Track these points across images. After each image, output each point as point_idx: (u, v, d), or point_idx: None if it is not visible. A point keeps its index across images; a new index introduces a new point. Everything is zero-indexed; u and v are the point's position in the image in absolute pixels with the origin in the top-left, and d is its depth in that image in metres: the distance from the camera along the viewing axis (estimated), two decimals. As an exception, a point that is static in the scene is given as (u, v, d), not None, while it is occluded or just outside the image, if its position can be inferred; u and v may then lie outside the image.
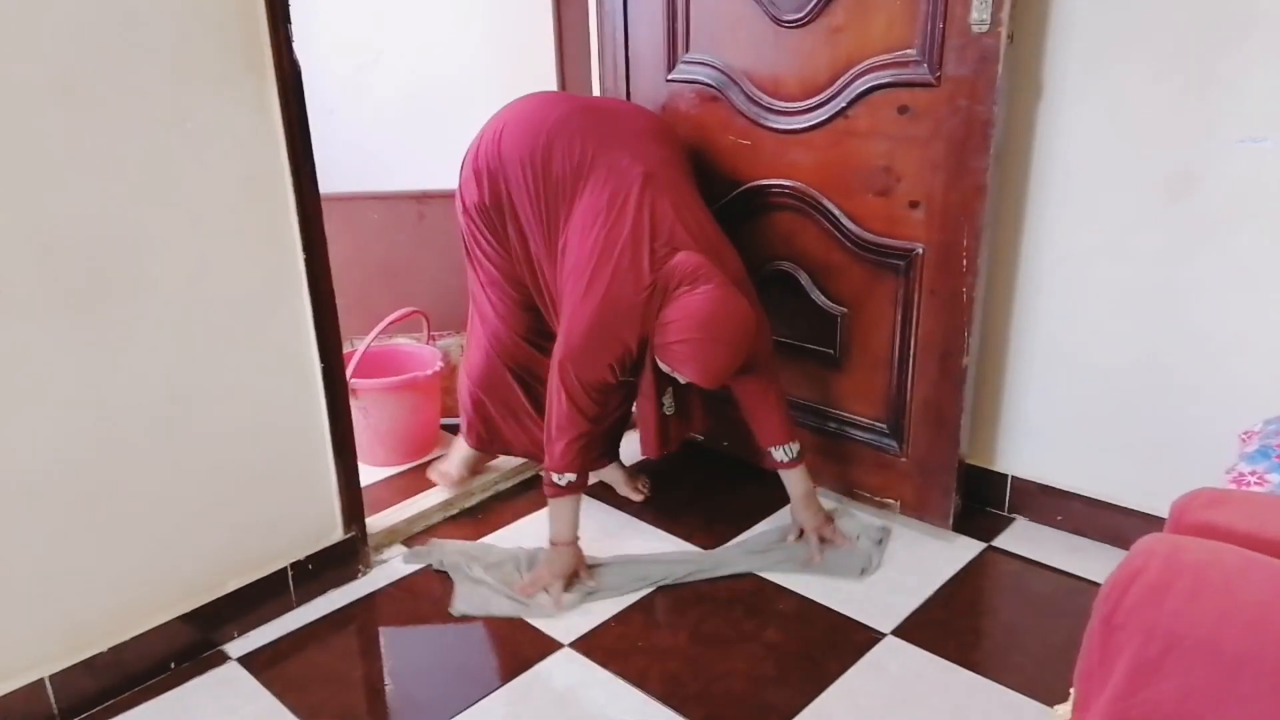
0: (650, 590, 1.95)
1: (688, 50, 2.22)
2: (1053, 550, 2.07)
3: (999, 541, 2.11)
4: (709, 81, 2.19)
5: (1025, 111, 1.91)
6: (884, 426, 2.15)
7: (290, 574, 1.88)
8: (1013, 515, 2.20)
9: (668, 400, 2.03)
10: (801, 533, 2.07)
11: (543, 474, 1.94)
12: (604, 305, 1.80)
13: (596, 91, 2.45)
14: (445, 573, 2.01)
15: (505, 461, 2.42)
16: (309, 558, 1.91)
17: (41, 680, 1.56)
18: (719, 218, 1.98)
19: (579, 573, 1.95)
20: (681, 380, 1.85)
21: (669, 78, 2.26)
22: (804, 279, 2.17)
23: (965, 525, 2.14)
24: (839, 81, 1.98)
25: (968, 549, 2.09)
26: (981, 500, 2.21)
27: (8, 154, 1.39)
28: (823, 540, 2.05)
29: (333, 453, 1.91)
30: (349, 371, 2.34)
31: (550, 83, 2.54)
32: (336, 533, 1.96)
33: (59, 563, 1.56)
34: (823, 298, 2.16)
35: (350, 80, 2.88)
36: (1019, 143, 1.94)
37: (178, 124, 1.57)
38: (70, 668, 1.59)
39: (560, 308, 1.93)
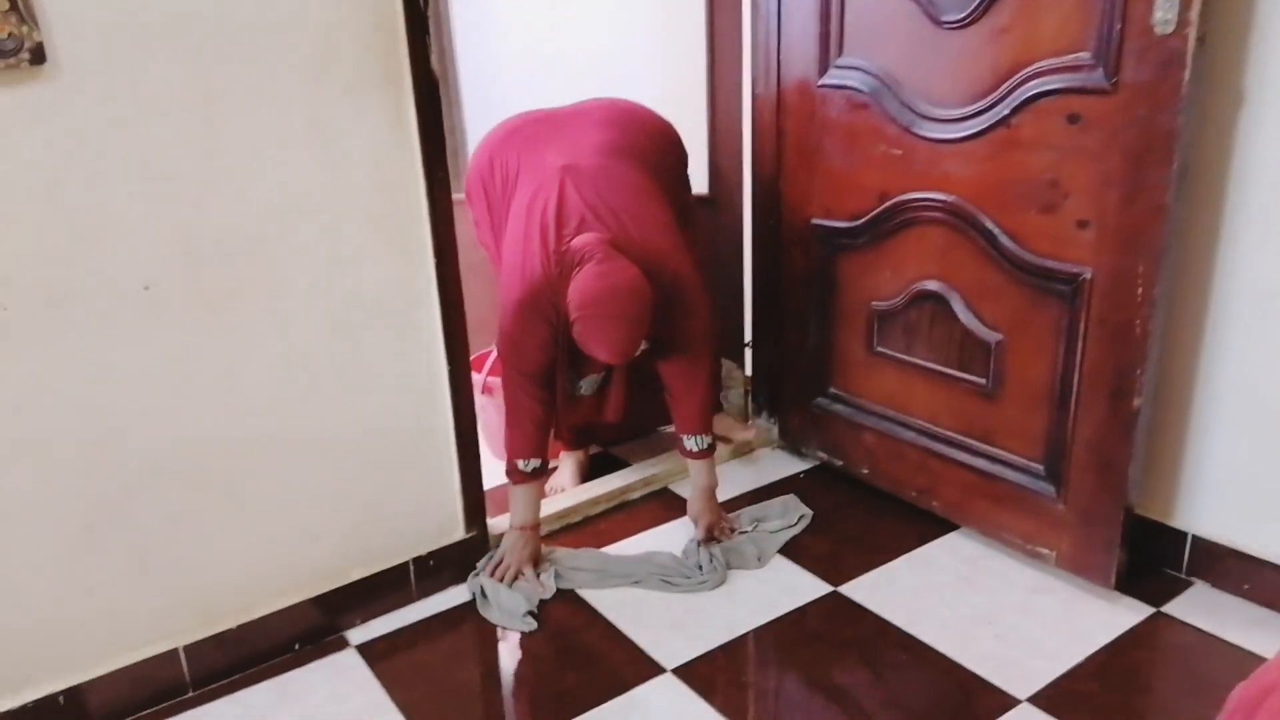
0: (759, 624, 1.86)
1: (840, 53, 2.09)
2: (1234, 623, 1.79)
3: (1170, 608, 1.85)
4: (860, 87, 2.06)
5: (1221, 122, 1.66)
6: (1039, 468, 1.94)
7: (412, 568, 1.94)
8: (1190, 579, 1.93)
9: (586, 382, 2.10)
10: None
11: (505, 462, 2.02)
12: (521, 296, 1.88)
13: (747, 100, 2.37)
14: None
15: (637, 472, 2.39)
16: (431, 554, 1.96)
17: (175, 650, 1.68)
18: (863, 232, 1.85)
19: (538, 558, 2.05)
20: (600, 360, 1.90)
21: (820, 83, 2.15)
22: (956, 301, 2.00)
23: (1132, 585, 1.90)
24: (1002, 87, 1.80)
25: (1132, 613, 1.85)
26: (1155, 559, 1.96)
27: (152, 159, 1.49)
28: (714, 539, 2.10)
29: (457, 455, 1.95)
30: (485, 370, 2.40)
31: (700, 90, 2.49)
32: (458, 531, 2.00)
33: (196, 541, 1.68)
34: (975, 322, 1.98)
35: (521, 84, 2.96)
36: (1212, 157, 1.69)
37: (315, 133, 1.63)
38: (202, 640, 1.71)
39: None
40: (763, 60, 2.27)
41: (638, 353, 1.91)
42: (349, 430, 1.80)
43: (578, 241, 1.84)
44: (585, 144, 2.00)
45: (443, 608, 1.95)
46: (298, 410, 1.73)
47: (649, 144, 2.11)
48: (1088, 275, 1.75)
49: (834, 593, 1.95)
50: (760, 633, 1.84)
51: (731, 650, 1.80)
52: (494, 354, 2.45)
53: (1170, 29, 1.51)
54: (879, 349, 2.21)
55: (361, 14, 1.62)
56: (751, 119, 2.37)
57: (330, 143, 1.65)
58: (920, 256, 2.05)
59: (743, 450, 2.54)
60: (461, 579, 2.01)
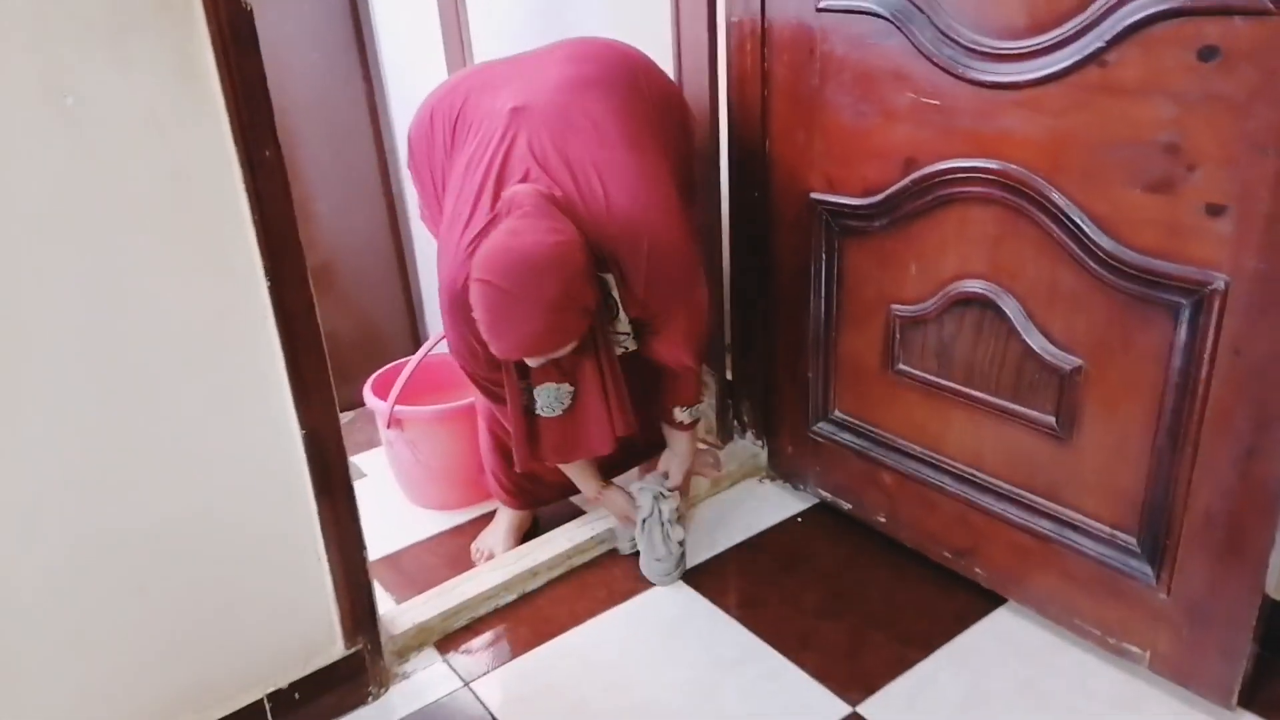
0: None
1: (851, -38, 1.51)
2: None
3: (1312, 730, 1.36)
4: (879, 9, 1.47)
5: None
6: (1130, 539, 1.42)
7: (268, 706, 1.39)
8: (1334, 682, 1.44)
9: (542, 394, 1.53)
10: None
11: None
12: (448, 289, 1.46)
13: (722, 31, 1.78)
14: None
15: (576, 529, 1.85)
16: (295, 684, 1.41)
17: None
18: (881, 212, 1.30)
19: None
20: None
21: (822, 4, 1.56)
22: (1012, 308, 1.45)
23: (1260, 695, 1.40)
24: (1095, 4, 1.23)
25: (1256, 737, 1.35)
26: None
27: None
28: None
29: (325, 542, 1.40)
30: (393, 393, 1.84)
31: (662, 18, 1.88)
32: (335, 648, 1.46)
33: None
34: (1042, 339, 1.44)
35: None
36: None
37: (51, 102, 1.04)
38: None
39: None
40: (741, -25, 1.68)
41: (560, 353, 1.41)
42: (156, 531, 1.24)
43: (507, 193, 1.41)
44: (544, 80, 1.53)
45: (317, 752, 1.43)
46: (78, 509, 1.17)
47: (636, 81, 1.57)
48: (1219, 284, 1.21)
49: (853, 717, 1.44)
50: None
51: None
52: (405, 372, 1.88)
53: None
54: (901, 367, 1.66)
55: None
56: (727, 57, 1.78)
57: (79, 113, 1.06)
58: (961, 247, 1.50)
59: (719, 483, 2.00)
60: (345, 709, 1.48)
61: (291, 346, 1.27)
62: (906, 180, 1.53)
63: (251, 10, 1.14)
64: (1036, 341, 1.44)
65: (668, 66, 1.90)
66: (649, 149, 1.50)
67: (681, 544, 1.75)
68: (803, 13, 1.60)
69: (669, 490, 1.76)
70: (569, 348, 1.42)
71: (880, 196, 1.58)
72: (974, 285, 1.50)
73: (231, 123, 1.16)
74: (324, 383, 1.32)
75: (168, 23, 1.09)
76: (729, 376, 2.07)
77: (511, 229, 1.34)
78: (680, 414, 1.74)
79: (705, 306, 1.61)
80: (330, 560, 1.41)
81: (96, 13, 1.05)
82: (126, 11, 1.06)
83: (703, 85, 1.84)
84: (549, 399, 1.53)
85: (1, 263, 1.05)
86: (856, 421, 1.79)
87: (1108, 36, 1.22)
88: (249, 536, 1.33)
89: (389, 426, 1.87)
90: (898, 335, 1.65)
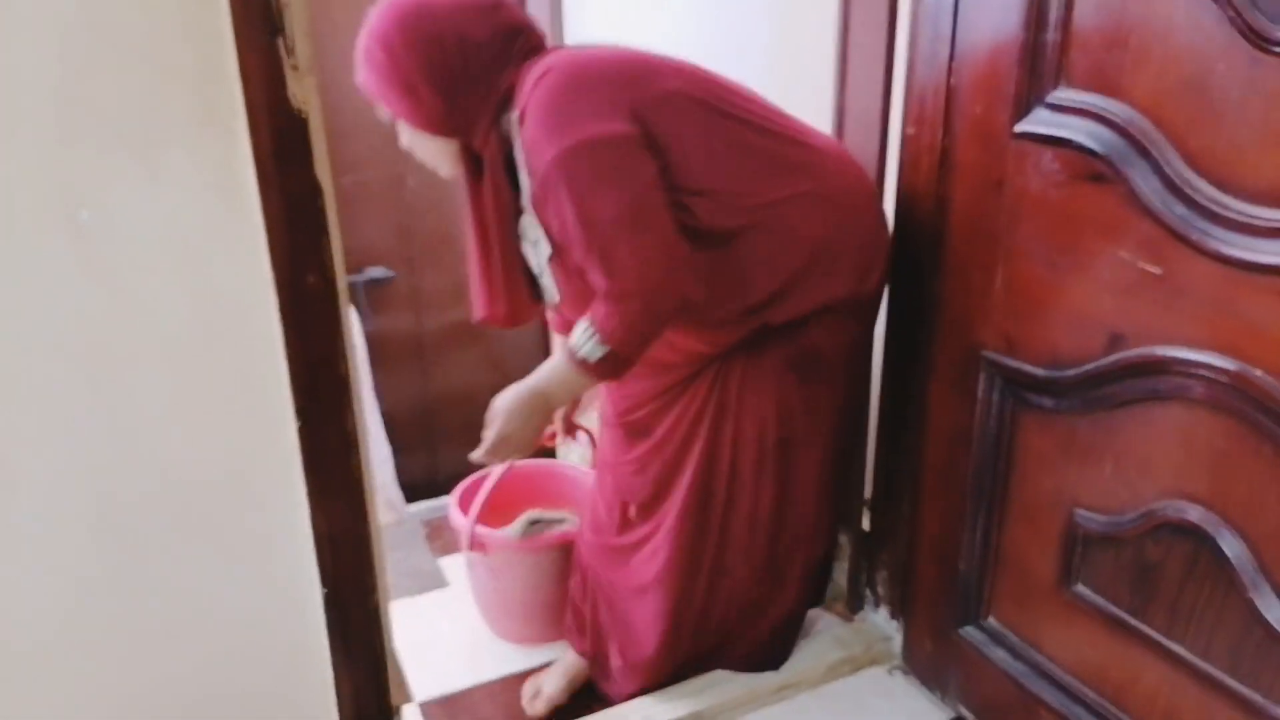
0: None
1: (1060, 82, 1.19)
2: None
3: None
4: (1092, 144, 1.15)
5: None
6: None
7: None
8: None
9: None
10: None
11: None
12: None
13: (894, 141, 1.50)
14: None
15: (653, 705, 1.58)
16: None
17: None
18: (1073, 390, 0.98)
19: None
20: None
21: (1019, 129, 1.25)
22: (1236, 553, 1.08)
23: None
24: None
25: None
26: None
27: None
28: None
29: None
30: (473, 512, 1.66)
31: (824, 115, 1.61)
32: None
33: None
34: (1278, 605, 1.05)
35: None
36: None
37: (67, 216, 0.93)
38: None
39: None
40: (923, 80, 1.39)
41: (386, 117, 1.30)
42: (158, 689, 1.10)
43: None
44: None
45: None
46: (78, 667, 1.04)
47: None
48: None
49: None
50: None
51: None
52: (486, 486, 1.69)
53: None
54: (1081, 589, 1.30)
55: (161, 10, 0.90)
56: (899, 172, 1.49)
57: (96, 229, 0.94)
58: (1176, 457, 1.14)
59: (838, 667, 1.68)
60: None
61: (321, 498, 1.10)
62: (1110, 359, 1.19)
63: (307, 119, 0.99)
64: (1269, 606, 1.06)
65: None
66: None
67: None
68: (993, 134, 1.29)
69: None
70: (399, 124, 1.29)
71: (1073, 372, 1.24)
72: (1189, 511, 1.13)
73: (271, 245, 1.01)
74: (356, 543, 1.14)
75: (210, 135, 0.96)
76: (865, 528, 1.75)
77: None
78: (580, 328, 1.28)
79: (651, 258, 1.21)
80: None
81: (130, 121, 0.93)
82: (165, 122, 0.94)
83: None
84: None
85: (3, 389, 0.94)
86: (1016, 639, 1.43)
87: None
88: (257, 701, 1.16)
89: (470, 549, 1.68)
90: (1080, 547, 1.29)
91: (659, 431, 1.48)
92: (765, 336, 1.39)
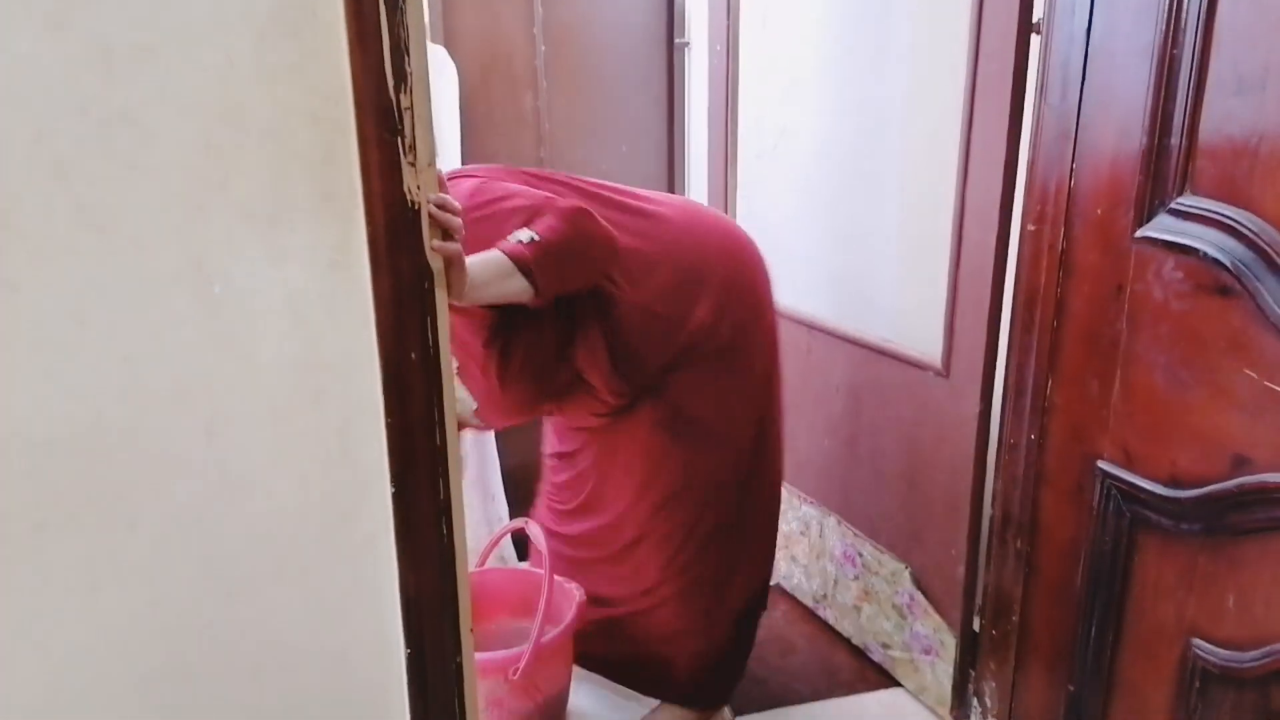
0: None
1: (1185, 188, 1.13)
2: None
3: None
4: (1218, 254, 1.08)
5: None
6: None
7: None
8: None
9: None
10: None
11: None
12: None
13: (1014, 239, 1.46)
14: None
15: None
16: None
17: None
18: (1194, 513, 0.90)
19: None
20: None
21: (1141, 233, 1.19)
22: (1381, 718, 0.96)
23: None
24: None
25: None
26: None
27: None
28: None
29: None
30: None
31: (945, 212, 1.58)
32: None
33: None
34: None
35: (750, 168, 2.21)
36: None
37: (200, 285, 1.03)
38: None
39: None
40: (1044, 177, 1.35)
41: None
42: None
43: None
44: None
45: None
46: (151, 704, 1.13)
47: None
48: None
49: None
50: None
51: None
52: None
53: None
54: (1196, 730, 1.19)
55: (287, 91, 0.99)
56: (1017, 267, 1.45)
57: (221, 304, 1.03)
58: (1302, 599, 1.04)
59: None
60: None
61: (410, 559, 1.15)
62: (1233, 483, 1.10)
63: (419, 209, 1.07)
64: None
65: (943, 270, 1.61)
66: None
67: None
68: (1114, 237, 1.23)
69: None
70: None
71: (1194, 493, 1.16)
72: (1319, 659, 1.02)
73: (379, 321, 1.08)
74: (443, 606, 1.19)
75: (329, 214, 1.04)
76: (975, 629, 1.66)
77: None
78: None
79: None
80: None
81: (258, 200, 1.01)
82: (289, 200, 1.02)
83: (982, 298, 1.52)
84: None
85: (130, 437, 1.04)
86: (1124, 776, 1.32)
87: None
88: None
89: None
90: (1197, 683, 1.19)
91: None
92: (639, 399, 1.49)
